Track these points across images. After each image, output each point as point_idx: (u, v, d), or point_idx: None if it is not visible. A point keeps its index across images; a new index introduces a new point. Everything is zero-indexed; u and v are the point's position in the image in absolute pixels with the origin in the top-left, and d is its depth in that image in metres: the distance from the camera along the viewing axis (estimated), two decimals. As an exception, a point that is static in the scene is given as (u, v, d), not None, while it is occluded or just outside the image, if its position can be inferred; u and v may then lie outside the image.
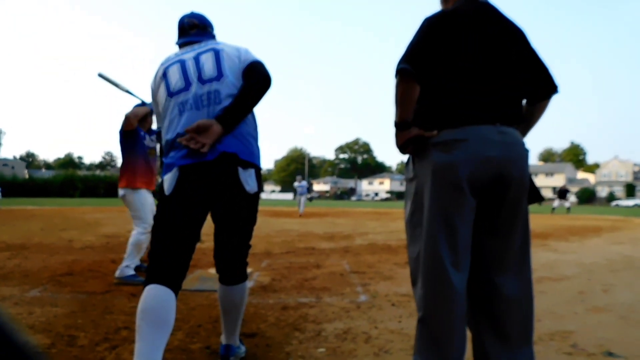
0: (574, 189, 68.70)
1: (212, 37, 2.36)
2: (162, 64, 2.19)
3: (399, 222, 14.13)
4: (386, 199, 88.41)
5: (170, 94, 2.07)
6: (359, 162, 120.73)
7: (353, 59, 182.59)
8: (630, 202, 63.99)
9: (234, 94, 2.01)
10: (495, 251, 1.73)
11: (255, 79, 2.04)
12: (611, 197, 72.45)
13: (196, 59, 2.09)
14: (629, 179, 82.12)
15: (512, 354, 1.69)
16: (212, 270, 4.69)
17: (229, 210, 2.06)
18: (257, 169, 2.06)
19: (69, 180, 63.19)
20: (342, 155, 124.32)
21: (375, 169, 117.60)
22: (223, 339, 2.27)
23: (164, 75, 2.12)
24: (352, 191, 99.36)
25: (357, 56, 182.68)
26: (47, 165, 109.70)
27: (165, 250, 1.94)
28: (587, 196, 71.17)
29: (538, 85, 1.84)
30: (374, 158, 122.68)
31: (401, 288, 4.00)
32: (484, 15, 1.78)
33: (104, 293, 3.61)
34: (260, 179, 2.11)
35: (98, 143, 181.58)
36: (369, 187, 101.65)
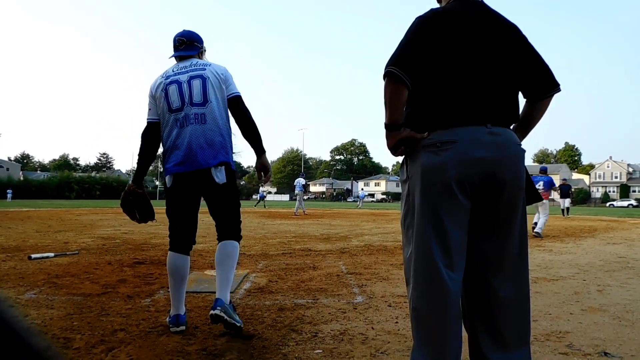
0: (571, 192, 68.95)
1: (199, 49, 3.03)
2: (162, 77, 2.88)
3: (395, 223, 14.14)
4: (382, 200, 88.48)
5: (170, 110, 2.80)
6: (355, 164, 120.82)
7: (349, 59, 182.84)
8: (625, 203, 64.38)
9: (215, 116, 2.78)
10: (492, 252, 1.73)
11: (246, 119, 2.90)
12: (606, 198, 72.81)
13: (189, 83, 2.79)
14: (623, 179, 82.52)
15: (509, 355, 1.69)
16: (209, 272, 4.69)
17: (208, 195, 2.87)
18: (227, 165, 2.81)
19: (65, 181, 63.00)
20: (338, 157, 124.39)
21: (371, 170, 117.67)
22: (217, 294, 2.73)
23: (165, 91, 2.81)
24: (348, 192, 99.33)
25: (353, 56, 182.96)
26: (43, 167, 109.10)
27: (175, 228, 2.86)
28: (582, 197, 71.41)
29: (538, 84, 1.83)
30: (370, 159, 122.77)
31: (397, 289, 4.01)
32: (476, 14, 1.77)
33: (99, 295, 3.60)
34: (231, 172, 2.85)
35: (94, 144, 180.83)
36: (365, 188, 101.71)
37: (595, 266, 5.58)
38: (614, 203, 65.03)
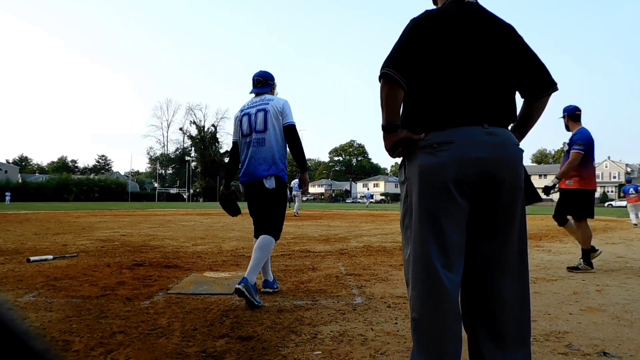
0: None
1: (271, 87, 3.92)
2: (241, 110, 3.85)
3: (393, 224, 14.15)
4: (381, 201, 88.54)
5: (243, 135, 3.78)
6: (353, 165, 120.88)
7: (349, 60, 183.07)
8: (623, 203, 64.30)
9: (271, 140, 3.64)
10: (491, 253, 1.73)
11: (295, 143, 3.75)
12: (604, 198, 72.85)
13: (256, 115, 3.70)
14: (622, 179, 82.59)
15: (509, 356, 1.69)
16: (208, 274, 4.68)
17: (261, 198, 3.69)
18: (277, 177, 3.66)
19: (63, 184, 62.91)
20: (336, 158, 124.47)
21: (370, 171, 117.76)
22: (245, 274, 3.40)
23: (240, 121, 3.80)
24: (347, 193, 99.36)
25: (352, 57, 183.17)
26: (41, 169, 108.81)
27: (254, 222, 3.83)
28: (581, 197, 71.47)
29: (535, 83, 1.83)
30: (368, 160, 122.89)
31: (397, 290, 4.01)
32: (471, 15, 1.77)
33: (98, 297, 3.59)
34: (281, 182, 3.69)
35: (92, 146, 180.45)
36: (363, 189, 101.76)
37: (594, 266, 5.58)
38: (613, 203, 65.04)
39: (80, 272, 4.74)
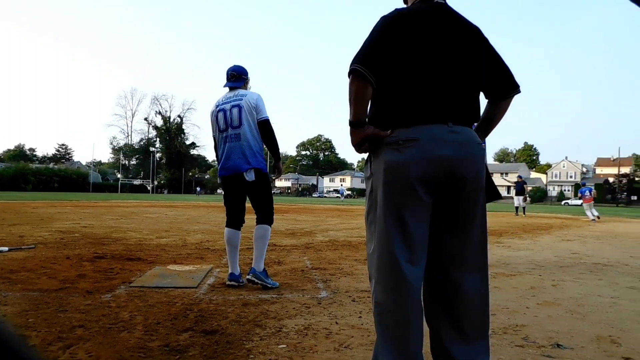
0: (527, 188, 71.32)
1: (245, 81, 4.06)
2: (216, 105, 3.99)
3: (359, 219, 14.28)
4: (347, 196, 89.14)
5: (219, 130, 3.94)
6: (321, 159, 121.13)
7: (315, 54, 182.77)
8: (579, 201, 66.98)
9: (246, 135, 3.81)
10: (453, 248, 1.78)
11: (270, 137, 3.91)
12: (561, 197, 75.63)
13: (230, 111, 3.86)
14: (578, 179, 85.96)
15: (469, 347, 1.74)
16: (172, 267, 4.62)
17: (246, 191, 3.95)
18: (257, 169, 3.84)
19: (20, 173, 60.58)
20: (304, 152, 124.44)
21: (337, 166, 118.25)
22: (252, 264, 3.83)
23: (216, 117, 3.95)
24: (313, 188, 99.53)
25: (319, 51, 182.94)
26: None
27: (228, 212, 4.01)
28: (540, 195, 73.95)
29: (498, 85, 1.88)
30: (335, 155, 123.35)
31: (361, 284, 4.06)
32: (439, 15, 1.81)
33: (57, 291, 3.49)
34: (261, 173, 3.88)
35: (52, 135, 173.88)
36: (330, 184, 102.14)
37: (550, 262, 5.80)
38: (569, 201, 67.55)
39: (38, 264, 4.58)
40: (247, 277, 3.73)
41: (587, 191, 17.08)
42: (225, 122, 3.88)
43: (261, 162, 3.90)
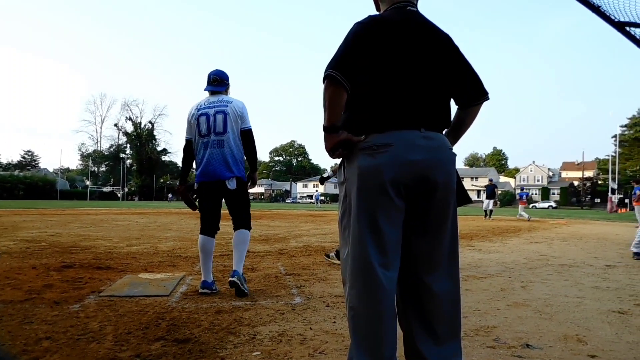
0: (497, 191, 72.96)
1: (226, 86, 4.05)
2: (196, 109, 3.90)
3: (332, 224, 14.31)
4: (321, 201, 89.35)
5: (200, 135, 3.84)
6: (294, 165, 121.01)
7: (289, 60, 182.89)
8: (545, 205, 69.03)
9: (230, 143, 3.79)
10: (425, 251, 1.80)
11: (250, 147, 3.92)
12: (529, 200, 77.61)
13: (215, 117, 3.80)
14: (544, 182, 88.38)
15: (441, 349, 1.77)
16: (143, 275, 4.53)
17: (226, 198, 3.90)
18: (238, 178, 3.83)
19: (-18, 180, 58.49)
20: (277, 158, 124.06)
21: (310, 171, 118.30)
22: (234, 267, 3.77)
23: (197, 120, 3.85)
24: (287, 193, 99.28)
25: (293, 57, 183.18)
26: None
27: (204, 218, 3.90)
28: (508, 199, 75.65)
29: (468, 92, 1.93)
30: (309, 161, 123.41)
31: (335, 289, 4.07)
32: (411, 23, 1.85)
33: (22, 302, 3.37)
34: (242, 182, 3.87)
35: (17, 141, 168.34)
36: (303, 189, 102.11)
37: (519, 264, 5.94)
38: (536, 205, 69.43)
39: (1, 274, 4.42)
40: (232, 279, 3.66)
41: (525, 195, 22.08)
42: (208, 127, 3.80)
43: (242, 171, 3.88)
